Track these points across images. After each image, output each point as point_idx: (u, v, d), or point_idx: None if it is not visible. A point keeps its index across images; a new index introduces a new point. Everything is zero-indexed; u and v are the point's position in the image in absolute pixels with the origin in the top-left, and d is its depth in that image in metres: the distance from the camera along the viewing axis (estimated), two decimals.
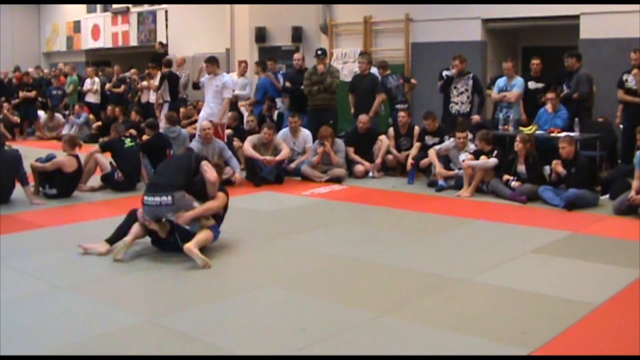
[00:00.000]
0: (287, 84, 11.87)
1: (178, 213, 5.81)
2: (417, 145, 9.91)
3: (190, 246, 5.64)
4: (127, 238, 5.91)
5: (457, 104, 10.39)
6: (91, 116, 15.82)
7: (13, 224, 7.18)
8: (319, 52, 11.14)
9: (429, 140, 9.86)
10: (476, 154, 8.82)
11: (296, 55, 11.95)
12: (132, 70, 16.31)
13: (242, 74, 13.13)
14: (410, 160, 9.71)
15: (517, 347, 3.99)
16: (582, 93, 9.70)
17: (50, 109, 16.31)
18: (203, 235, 5.82)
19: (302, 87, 11.47)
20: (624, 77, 9.50)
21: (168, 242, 5.95)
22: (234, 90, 12.64)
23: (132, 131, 11.68)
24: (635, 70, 9.31)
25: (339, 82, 11.08)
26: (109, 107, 15.04)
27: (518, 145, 8.45)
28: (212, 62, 10.41)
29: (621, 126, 9.91)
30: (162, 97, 13.31)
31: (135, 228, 5.95)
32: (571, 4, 10.93)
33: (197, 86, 10.99)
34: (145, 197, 5.90)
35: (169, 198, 5.81)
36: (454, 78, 10.29)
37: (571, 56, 9.98)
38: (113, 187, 9.11)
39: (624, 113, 9.71)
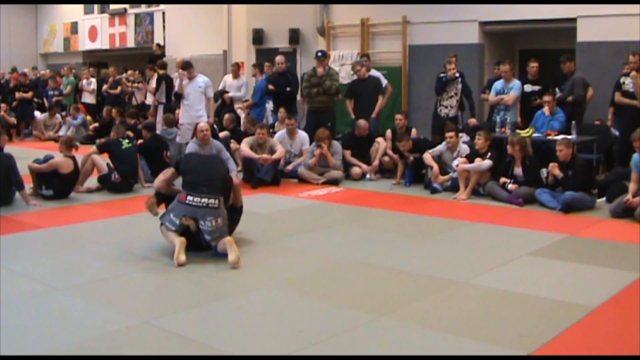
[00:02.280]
0: (270, 87, 11.87)
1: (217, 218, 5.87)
2: (401, 162, 9.88)
3: (232, 240, 5.77)
4: (177, 240, 5.84)
5: (446, 107, 10.46)
6: (88, 117, 15.82)
7: (10, 225, 7.17)
8: (319, 53, 11.14)
9: (410, 156, 9.79)
10: (470, 157, 8.82)
11: (278, 59, 11.95)
12: (129, 72, 16.28)
13: (237, 75, 13.11)
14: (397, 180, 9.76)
15: (514, 349, 4.00)
16: (577, 96, 9.72)
17: (51, 107, 16.31)
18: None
19: (288, 89, 11.53)
20: (622, 80, 9.51)
21: (194, 241, 5.98)
22: (229, 92, 12.70)
23: (129, 133, 11.66)
24: (633, 73, 9.32)
25: (338, 84, 11.05)
26: (105, 109, 15.03)
27: (509, 149, 8.49)
28: (191, 65, 10.51)
29: (612, 129, 9.95)
30: (157, 100, 13.32)
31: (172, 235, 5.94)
32: (568, 7, 10.95)
33: (179, 97, 10.54)
34: (189, 197, 5.89)
35: (216, 202, 5.89)
36: (448, 81, 10.36)
37: (569, 60, 10.01)
38: (110, 188, 9.09)
39: (621, 116, 9.73)
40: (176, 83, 10.72)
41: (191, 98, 10.38)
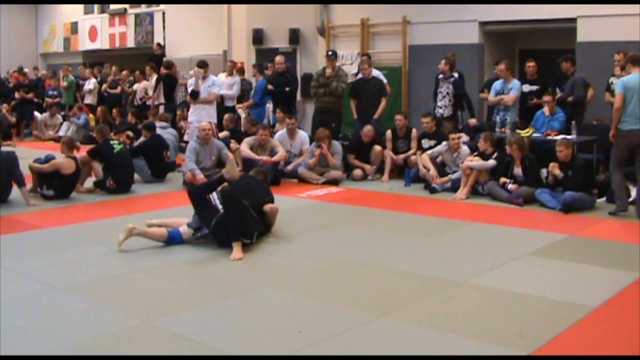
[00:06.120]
0: (270, 87, 11.86)
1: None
2: (415, 151, 9.97)
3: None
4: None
5: (440, 107, 10.47)
6: (90, 116, 15.81)
7: (10, 225, 7.17)
8: (330, 52, 11.18)
9: (425, 143, 9.88)
10: (482, 156, 8.81)
11: (277, 59, 11.96)
12: (124, 73, 16.22)
13: (231, 73, 13.09)
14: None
15: (513, 349, 4.00)
16: (577, 96, 9.72)
17: (52, 106, 16.35)
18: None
19: (287, 89, 11.57)
20: (610, 80, 9.53)
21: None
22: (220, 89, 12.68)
23: (129, 133, 11.69)
24: (618, 72, 9.29)
25: (345, 86, 10.99)
26: (99, 109, 15.00)
27: (507, 149, 8.51)
28: (207, 65, 10.56)
29: None
30: (155, 100, 13.38)
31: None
32: (568, 7, 10.94)
33: (197, 95, 10.37)
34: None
35: None
36: (439, 82, 10.39)
37: (565, 60, 10.02)
38: (107, 192, 9.04)
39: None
40: (190, 81, 10.77)
41: (202, 97, 10.40)
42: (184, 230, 6.40)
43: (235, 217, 6.06)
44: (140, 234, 6.24)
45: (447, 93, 10.43)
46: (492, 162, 8.69)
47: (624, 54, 9.28)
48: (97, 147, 9.32)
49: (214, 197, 6.24)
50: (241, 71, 13.46)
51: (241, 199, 6.25)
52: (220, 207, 6.12)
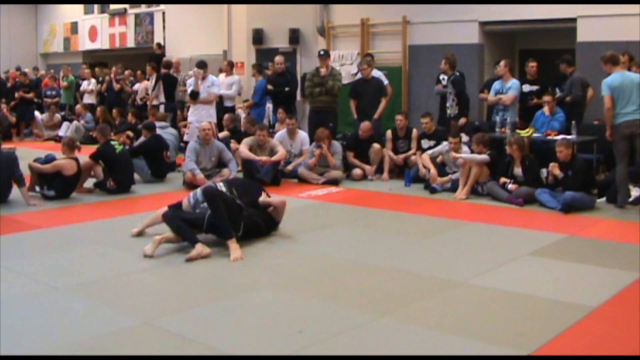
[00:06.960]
0: (269, 87, 11.86)
1: None
2: (415, 151, 10.00)
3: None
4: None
5: (448, 107, 10.47)
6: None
7: (10, 225, 7.17)
8: (322, 52, 11.15)
9: (424, 143, 9.89)
10: None
11: (277, 59, 11.96)
12: (126, 72, 16.21)
13: (229, 73, 13.08)
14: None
15: (513, 349, 4.00)
16: (575, 96, 9.73)
17: (51, 106, 16.35)
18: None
19: (287, 89, 11.55)
20: None
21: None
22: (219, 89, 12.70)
23: (129, 133, 11.69)
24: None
25: (341, 84, 11.02)
26: (98, 109, 15.00)
27: (507, 149, 8.52)
28: (206, 65, 10.55)
29: None
30: (157, 99, 13.36)
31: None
32: (568, 7, 10.95)
33: (196, 95, 10.35)
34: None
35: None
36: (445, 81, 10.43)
37: (562, 61, 10.05)
38: (107, 192, 9.03)
39: None
40: (189, 82, 10.77)
41: (201, 97, 10.40)
42: None
43: (222, 214, 6.09)
44: (167, 240, 6.17)
45: (450, 92, 10.43)
46: (485, 156, 8.70)
47: (628, 55, 9.30)
48: (100, 150, 9.23)
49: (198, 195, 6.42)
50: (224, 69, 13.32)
51: (223, 193, 6.32)
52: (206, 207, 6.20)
